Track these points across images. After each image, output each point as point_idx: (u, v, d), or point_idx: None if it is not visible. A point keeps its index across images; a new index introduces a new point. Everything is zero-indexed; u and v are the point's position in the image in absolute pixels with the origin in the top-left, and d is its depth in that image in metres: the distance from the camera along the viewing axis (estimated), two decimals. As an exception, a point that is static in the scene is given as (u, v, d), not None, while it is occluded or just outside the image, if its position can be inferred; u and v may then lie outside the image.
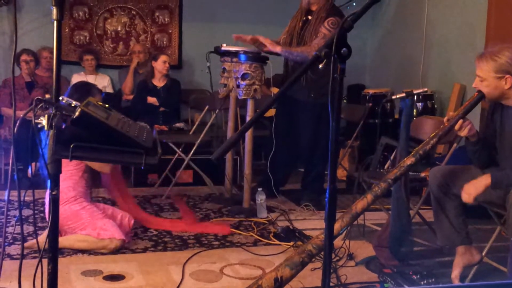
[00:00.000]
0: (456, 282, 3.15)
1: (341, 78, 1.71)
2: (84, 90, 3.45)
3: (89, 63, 6.17)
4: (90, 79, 6.18)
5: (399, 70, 6.65)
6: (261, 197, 4.26)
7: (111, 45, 6.58)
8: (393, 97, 3.94)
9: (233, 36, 4.41)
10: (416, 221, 3.83)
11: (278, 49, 4.32)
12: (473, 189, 2.97)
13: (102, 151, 1.96)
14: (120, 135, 1.96)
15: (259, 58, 4.30)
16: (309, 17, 4.47)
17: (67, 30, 6.40)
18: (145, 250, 3.57)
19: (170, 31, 6.66)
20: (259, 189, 4.33)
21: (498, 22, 4.95)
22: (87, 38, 6.52)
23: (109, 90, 6.25)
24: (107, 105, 2.10)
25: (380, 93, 5.88)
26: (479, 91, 3.02)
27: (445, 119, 3.09)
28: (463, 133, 3.06)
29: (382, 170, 3.92)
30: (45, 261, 1.97)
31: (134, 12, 6.59)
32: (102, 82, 6.22)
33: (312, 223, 4.19)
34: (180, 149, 4.93)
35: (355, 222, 3.18)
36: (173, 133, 5.31)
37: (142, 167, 1.97)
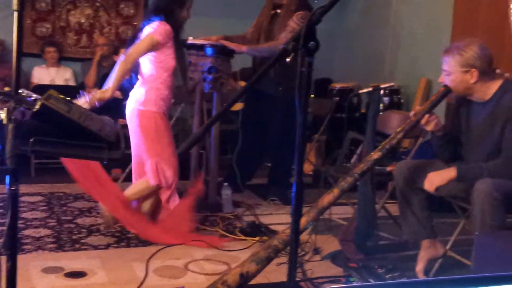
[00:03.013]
0: (421, 276, 3.17)
1: (309, 72, 1.68)
2: None
3: (51, 55, 6.05)
4: (52, 71, 6.06)
5: (367, 64, 6.68)
6: (227, 192, 4.23)
7: (74, 37, 6.45)
8: (360, 91, 3.95)
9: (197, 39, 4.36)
10: (381, 215, 3.85)
11: (243, 49, 4.27)
12: (437, 179, 3.00)
13: (63, 145, 1.90)
14: (82, 129, 1.90)
15: (225, 51, 4.25)
16: (278, 11, 4.44)
17: (29, 21, 6.24)
18: (107, 246, 3.50)
19: (135, 23, 6.55)
20: (225, 183, 4.30)
21: (464, 18, 5.00)
22: (50, 30, 6.38)
23: (72, 83, 6.14)
24: (68, 98, 2.04)
25: (347, 88, 5.89)
26: (445, 86, 3.03)
27: (411, 113, 3.10)
28: (430, 127, 3.08)
29: (348, 165, 3.93)
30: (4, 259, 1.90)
31: (98, 4, 6.46)
32: (64, 74, 6.09)
33: (278, 218, 4.18)
34: (145, 143, 4.84)
35: (322, 217, 3.17)
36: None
37: (105, 162, 1.91)
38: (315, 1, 5.80)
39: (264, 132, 4.64)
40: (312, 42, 1.65)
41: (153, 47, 3.59)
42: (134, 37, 3.76)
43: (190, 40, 4.30)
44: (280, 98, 4.42)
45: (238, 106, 4.80)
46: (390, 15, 6.19)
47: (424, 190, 3.09)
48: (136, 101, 3.66)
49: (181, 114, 5.31)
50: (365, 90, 3.75)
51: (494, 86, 2.99)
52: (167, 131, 3.64)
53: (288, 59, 1.66)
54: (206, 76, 4.20)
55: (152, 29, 3.58)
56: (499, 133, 2.95)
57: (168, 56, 3.65)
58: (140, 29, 3.73)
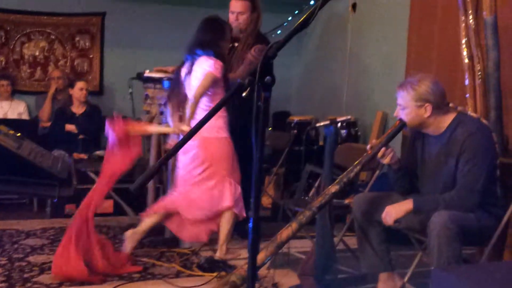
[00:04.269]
0: (380, 309, 3.17)
1: (265, 106, 1.67)
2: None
3: (4, 88, 5.93)
4: (5, 105, 5.93)
5: (324, 97, 6.75)
6: (184, 227, 4.15)
7: (28, 70, 6.35)
8: (318, 124, 3.98)
9: (154, 69, 4.33)
10: (340, 248, 3.84)
11: None
12: (394, 212, 3.02)
13: (13, 183, 1.84)
14: (33, 166, 1.84)
15: (183, 84, 4.22)
16: (236, 44, 4.45)
17: (-18, 54, 6.13)
18: (60, 285, 3.39)
19: (91, 56, 6.50)
20: (183, 218, 4.22)
21: (417, 53, 5.11)
22: (3, 62, 6.28)
23: (25, 116, 6.02)
24: (19, 134, 1.98)
25: (305, 120, 5.92)
26: (401, 120, 3.07)
27: (368, 146, 3.12)
28: (386, 160, 3.10)
29: (307, 198, 3.92)
30: None
31: (53, 37, 6.39)
32: (18, 108, 5.97)
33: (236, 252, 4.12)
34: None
35: (280, 251, 3.13)
36: (93, 162, 5.14)
37: (56, 200, 1.85)
38: (272, 35, 5.89)
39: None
40: (268, 77, 1.65)
41: (214, 83, 3.81)
42: (178, 72, 3.98)
43: (147, 73, 4.28)
44: (238, 131, 4.39)
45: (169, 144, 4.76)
46: (346, 49, 6.28)
47: (381, 222, 3.10)
48: (208, 130, 3.76)
49: (138, 148, 5.23)
50: (322, 123, 3.78)
51: (447, 120, 3.05)
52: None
53: (244, 94, 1.65)
54: (163, 109, 4.16)
55: (209, 68, 3.78)
56: (453, 166, 2.99)
57: (219, 88, 3.87)
58: (183, 63, 3.94)
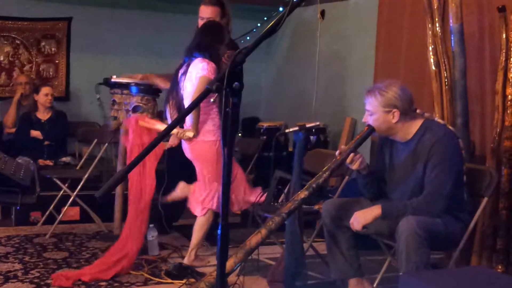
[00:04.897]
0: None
1: (234, 112, 1.65)
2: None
3: (-32, 94, 5.80)
4: (-31, 110, 5.80)
5: (293, 103, 6.76)
6: (152, 234, 4.10)
7: (-7, 75, 6.22)
8: (287, 130, 3.96)
9: (121, 76, 4.29)
10: (310, 254, 3.84)
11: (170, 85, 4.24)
12: (362, 217, 3.03)
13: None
14: (-6, 172, 1.79)
15: (151, 90, 4.19)
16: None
17: None
18: (25, 294, 3.31)
19: (57, 61, 6.39)
20: (151, 225, 4.17)
21: (385, 60, 5.16)
22: (-33, 68, 6.14)
23: (-11, 122, 5.89)
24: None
25: (274, 126, 5.92)
26: (369, 125, 3.08)
27: (337, 152, 3.13)
28: (354, 166, 3.11)
29: (276, 204, 3.90)
30: None
31: (18, 42, 6.27)
32: (-18, 114, 5.84)
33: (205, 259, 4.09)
34: (67, 185, 4.69)
35: (250, 257, 3.11)
36: (59, 168, 5.09)
37: (18, 207, 1.80)
38: (242, 41, 5.88)
39: (191, 172, 4.56)
40: (236, 83, 1.63)
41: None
42: (177, 70, 3.99)
43: (114, 78, 4.22)
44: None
45: (164, 146, 4.70)
46: (316, 55, 6.31)
47: (350, 228, 3.11)
48: (202, 134, 3.86)
49: (105, 154, 5.17)
50: (291, 129, 3.77)
51: (415, 126, 3.07)
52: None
53: (212, 100, 1.63)
54: (131, 115, 4.11)
55: (203, 71, 3.78)
56: (421, 172, 3.01)
57: None
58: (181, 65, 3.96)
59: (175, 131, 3.86)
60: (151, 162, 3.92)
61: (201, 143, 3.87)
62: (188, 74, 3.87)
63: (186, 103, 3.90)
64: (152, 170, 3.93)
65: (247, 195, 4.06)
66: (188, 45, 3.97)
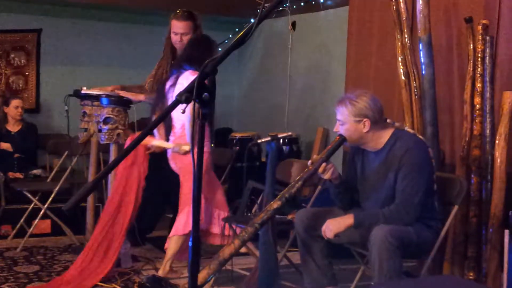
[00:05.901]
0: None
1: (203, 123, 1.65)
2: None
3: None
4: None
5: (266, 114, 6.78)
6: (125, 246, 4.06)
7: (-40, 88, 6.11)
8: (259, 140, 3.97)
9: (91, 89, 4.26)
10: (284, 264, 3.83)
11: (141, 97, 4.23)
12: (335, 226, 3.03)
13: None
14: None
15: (122, 101, 4.16)
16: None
17: None
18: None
19: (27, 73, 6.31)
20: (123, 237, 4.13)
21: (356, 70, 5.20)
22: None
23: (-42, 135, 5.78)
24: None
25: (247, 137, 5.92)
26: (340, 135, 3.10)
27: (309, 162, 3.14)
28: (327, 176, 3.12)
29: (249, 214, 3.90)
30: None
31: (-13, 54, 6.19)
32: (-50, 126, 5.73)
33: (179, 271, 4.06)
34: (37, 198, 4.62)
35: (223, 268, 3.10)
36: (29, 181, 5.02)
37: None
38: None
39: (164, 183, 4.54)
40: (205, 93, 1.63)
41: None
42: (164, 82, 4.06)
43: (84, 90, 4.19)
44: (180, 147, 4.35)
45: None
46: (287, 66, 6.35)
47: (323, 237, 3.12)
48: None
49: (76, 166, 5.12)
50: (264, 140, 3.78)
51: (385, 135, 3.10)
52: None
53: (181, 111, 1.62)
54: (102, 127, 4.09)
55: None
56: (392, 181, 3.04)
57: None
58: (169, 77, 4.02)
59: (171, 145, 3.91)
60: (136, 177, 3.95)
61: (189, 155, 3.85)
62: (178, 86, 3.90)
63: (176, 115, 3.89)
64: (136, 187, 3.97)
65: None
66: (178, 58, 4.02)
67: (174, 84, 3.94)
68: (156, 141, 3.95)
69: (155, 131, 4.04)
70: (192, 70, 3.88)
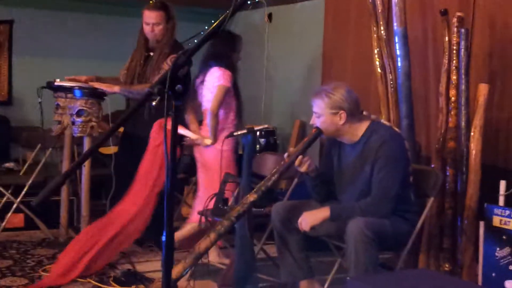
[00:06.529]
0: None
1: (176, 115, 1.62)
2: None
3: None
4: None
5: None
6: (98, 241, 4.01)
7: None
8: (235, 133, 3.94)
9: (65, 78, 4.18)
10: (261, 257, 3.83)
11: (116, 89, 4.17)
12: (311, 218, 3.04)
13: None
14: None
15: (95, 93, 4.10)
16: (151, 54, 4.37)
17: None
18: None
19: (-3, 68, 6.20)
20: (99, 232, 4.08)
21: (332, 62, 5.21)
22: None
23: None
24: None
25: (223, 129, 5.87)
26: (317, 128, 3.09)
27: (285, 155, 3.13)
28: (303, 168, 3.12)
29: (225, 207, 3.87)
30: None
31: (-43, 46, 6.06)
32: None
33: (155, 265, 4.02)
34: (10, 191, 4.55)
35: (200, 261, 3.08)
36: (2, 174, 4.94)
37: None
38: (189, 44, 5.84)
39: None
40: (179, 85, 1.60)
41: (226, 93, 4.04)
42: (194, 80, 4.17)
43: (57, 82, 4.12)
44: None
45: (111, 150, 4.62)
46: (264, 58, 6.32)
47: (300, 230, 3.11)
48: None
49: (50, 159, 5.04)
50: (240, 132, 3.75)
51: (362, 128, 3.10)
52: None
53: (154, 103, 1.59)
54: (75, 119, 4.03)
55: (219, 80, 4.01)
56: (368, 173, 3.04)
57: (231, 98, 4.12)
58: (198, 75, 4.16)
59: (194, 137, 4.02)
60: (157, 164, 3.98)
61: (216, 151, 3.98)
62: (205, 83, 4.09)
63: (207, 110, 4.07)
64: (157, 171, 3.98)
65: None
66: (204, 55, 4.15)
67: (202, 81, 4.11)
68: (181, 130, 3.98)
69: (187, 121, 4.19)
70: (217, 66, 4.03)
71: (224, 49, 4.12)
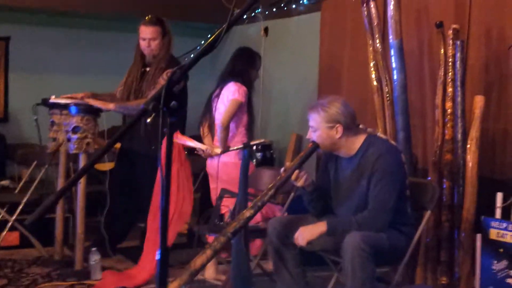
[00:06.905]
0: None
1: (171, 132, 1.61)
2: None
3: None
4: None
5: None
6: (95, 258, 3.98)
7: None
8: (231, 148, 3.92)
9: (61, 97, 4.17)
10: (257, 272, 3.79)
11: (111, 106, 4.14)
12: (307, 233, 3.02)
13: None
14: None
15: (91, 110, 4.08)
16: (147, 69, 4.36)
17: None
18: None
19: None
20: (93, 248, 4.05)
21: (328, 75, 5.21)
22: None
23: None
24: None
25: (219, 144, 5.86)
26: (313, 142, 3.08)
27: (282, 169, 3.11)
28: (300, 183, 3.10)
29: (222, 223, 3.85)
30: None
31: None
32: None
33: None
34: (5, 209, 4.51)
35: (196, 278, 3.05)
36: (-3, 191, 4.88)
37: None
38: (186, 59, 5.84)
39: (136, 192, 4.47)
40: (174, 102, 1.58)
41: (238, 108, 4.14)
42: (210, 96, 4.35)
43: (53, 99, 4.10)
44: (151, 155, 4.28)
45: (107, 166, 4.60)
46: (261, 72, 6.31)
47: (296, 246, 3.09)
48: (227, 155, 4.09)
49: (46, 176, 5.01)
50: (236, 147, 3.74)
51: (358, 141, 3.09)
52: None
53: (148, 120, 1.58)
54: (71, 136, 4.00)
55: (234, 94, 4.11)
56: (365, 187, 3.03)
57: (243, 113, 4.21)
58: (215, 89, 4.30)
59: (203, 147, 4.06)
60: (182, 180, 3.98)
61: (231, 165, 4.08)
62: (221, 96, 4.20)
63: (218, 123, 4.16)
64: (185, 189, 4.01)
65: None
66: (223, 69, 4.31)
67: (218, 95, 4.22)
68: (190, 142, 3.98)
69: (202, 133, 4.32)
70: (233, 81, 4.14)
71: (243, 66, 4.27)
